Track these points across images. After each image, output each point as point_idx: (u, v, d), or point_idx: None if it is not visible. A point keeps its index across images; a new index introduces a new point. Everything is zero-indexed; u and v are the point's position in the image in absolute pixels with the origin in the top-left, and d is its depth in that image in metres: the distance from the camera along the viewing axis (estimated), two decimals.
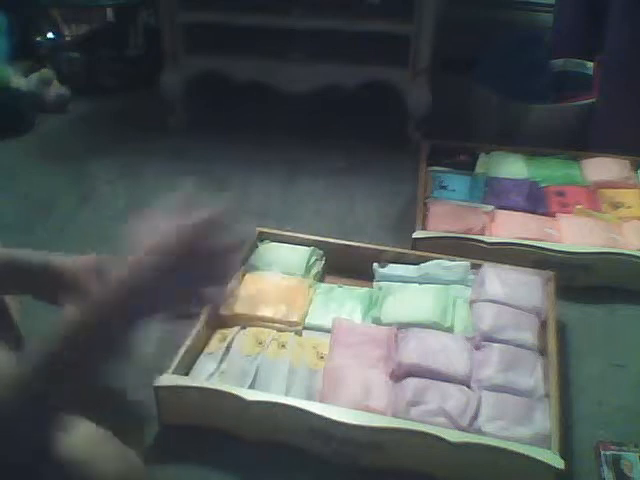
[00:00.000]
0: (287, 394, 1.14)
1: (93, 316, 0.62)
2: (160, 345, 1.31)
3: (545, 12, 2.61)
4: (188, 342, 1.21)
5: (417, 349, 1.21)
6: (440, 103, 1.96)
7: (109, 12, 2.57)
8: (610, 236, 1.54)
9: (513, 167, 1.78)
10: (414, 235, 1.53)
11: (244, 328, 1.29)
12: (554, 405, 1.12)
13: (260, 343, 1.25)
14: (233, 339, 1.26)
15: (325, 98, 2.07)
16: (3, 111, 2.07)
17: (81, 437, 0.67)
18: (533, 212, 1.63)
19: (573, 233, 1.55)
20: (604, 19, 1.85)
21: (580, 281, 1.49)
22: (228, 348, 1.25)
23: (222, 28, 1.99)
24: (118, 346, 0.65)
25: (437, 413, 1.11)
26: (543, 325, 1.30)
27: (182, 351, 1.19)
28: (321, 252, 1.49)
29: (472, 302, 1.35)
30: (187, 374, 1.20)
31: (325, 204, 1.80)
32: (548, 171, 1.76)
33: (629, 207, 1.64)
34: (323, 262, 1.49)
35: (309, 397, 1.15)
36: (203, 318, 1.27)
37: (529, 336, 1.26)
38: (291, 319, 1.31)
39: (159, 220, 0.62)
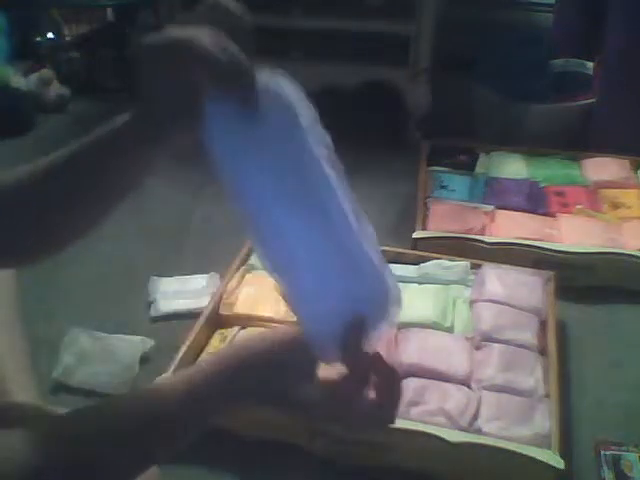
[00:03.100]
0: None
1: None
2: (160, 345, 1.32)
3: (545, 12, 2.61)
4: (188, 342, 1.21)
5: (417, 349, 1.21)
6: (440, 103, 1.96)
7: (109, 12, 2.58)
8: (610, 236, 1.54)
9: (513, 167, 1.78)
10: (414, 235, 1.53)
11: (244, 328, 1.29)
12: (554, 405, 1.12)
13: None
14: (233, 339, 1.26)
15: (325, 98, 2.07)
16: (3, 111, 2.07)
17: None
18: (533, 212, 1.63)
19: (573, 233, 1.55)
20: (604, 19, 1.85)
21: (580, 281, 1.48)
22: None
23: None
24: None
25: (437, 413, 1.11)
26: (543, 325, 1.30)
27: (182, 351, 1.19)
28: None
29: (472, 302, 1.34)
30: None
31: None
32: (548, 171, 1.76)
33: (629, 207, 1.64)
34: None
35: None
36: (203, 318, 1.27)
37: (529, 336, 1.26)
38: (291, 319, 1.30)
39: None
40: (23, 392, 0.83)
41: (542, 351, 1.24)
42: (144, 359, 1.30)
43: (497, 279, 1.36)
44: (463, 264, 1.42)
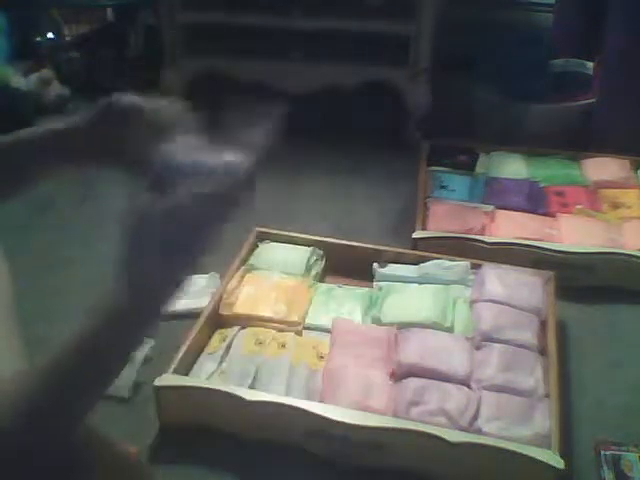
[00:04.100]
0: (287, 394, 1.14)
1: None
2: (160, 345, 1.32)
3: (545, 12, 2.61)
4: (188, 342, 1.21)
5: (417, 349, 1.21)
6: (440, 103, 1.96)
7: (109, 12, 2.58)
8: (610, 236, 1.54)
9: (513, 167, 1.78)
10: (414, 235, 1.53)
11: (244, 328, 1.29)
12: (554, 405, 1.12)
13: (260, 343, 1.25)
14: (233, 339, 1.26)
15: (325, 98, 2.07)
16: (3, 111, 2.07)
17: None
18: (533, 212, 1.63)
19: (573, 233, 1.55)
20: (604, 19, 1.85)
21: (580, 281, 1.49)
22: (228, 348, 1.25)
23: (222, 28, 1.99)
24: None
25: (437, 413, 1.11)
26: (543, 325, 1.30)
27: (182, 351, 1.19)
28: (321, 252, 1.49)
29: (472, 302, 1.35)
30: (187, 374, 1.20)
31: (325, 204, 1.80)
32: (548, 171, 1.76)
33: (629, 207, 1.64)
34: (323, 262, 1.49)
35: (309, 397, 1.15)
36: (203, 318, 1.27)
37: (529, 336, 1.26)
38: (291, 319, 1.31)
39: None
40: None
41: (542, 351, 1.25)
42: (144, 359, 1.30)
43: (497, 279, 1.36)
44: (463, 264, 1.42)
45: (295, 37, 1.97)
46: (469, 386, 1.17)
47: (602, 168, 1.76)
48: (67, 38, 2.49)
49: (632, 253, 1.48)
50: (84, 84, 2.34)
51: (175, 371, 1.16)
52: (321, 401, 1.13)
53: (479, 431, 1.09)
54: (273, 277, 1.41)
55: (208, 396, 1.13)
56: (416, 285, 1.39)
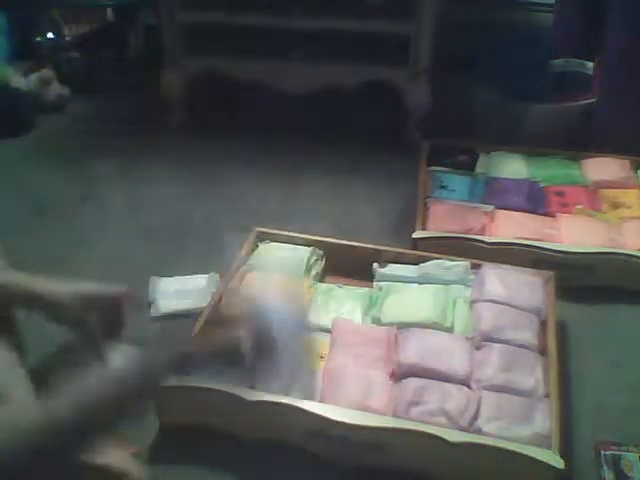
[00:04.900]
0: (287, 394, 1.14)
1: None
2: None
3: (545, 12, 2.62)
4: None
5: (417, 349, 1.21)
6: (440, 103, 1.96)
7: (109, 12, 2.58)
8: (610, 236, 1.54)
9: (513, 167, 1.78)
10: (414, 235, 1.53)
11: None
12: (554, 405, 1.12)
13: None
14: None
15: (325, 98, 2.07)
16: (3, 111, 2.07)
17: None
18: (533, 212, 1.63)
19: (573, 233, 1.55)
20: (604, 19, 1.85)
21: (580, 281, 1.48)
22: None
23: (222, 28, 2.00)
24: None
25: (437, 413, 1.11)
26: (543, 325, 1.30)
27: None
28: (321, 252, 1.49)
29: (472, 302, 1.34)
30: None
31: (325, 204, 1.80)
32: (548, 171, 1.76)
33: (629, 207, 1.64)
34: (323, 262, 1.49)
35: (309, 397, 1.15)
36: (203, 318, 1.27)
37: (529, 336, 1.26)
38: None
39: None
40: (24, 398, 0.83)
41: (542, 351, 1.25)
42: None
43: (497, 279, 1.36)
44: (463, 264, 1.42)
45: (295, 37, 1.97)
46: (469, 386, 1.17)
47: (602, 168, 1.76)
48: (67, 38, 2.49)
49: (632, 253, 1.48)
50: (84, 84, 2.34)
51: None
52: (321, 401, 1.13)
53: (479, 431, 1.09)
54: (273, 277, 1.40)
55: (208, 396, 1.13)
56: (416, 285, 1.39)
